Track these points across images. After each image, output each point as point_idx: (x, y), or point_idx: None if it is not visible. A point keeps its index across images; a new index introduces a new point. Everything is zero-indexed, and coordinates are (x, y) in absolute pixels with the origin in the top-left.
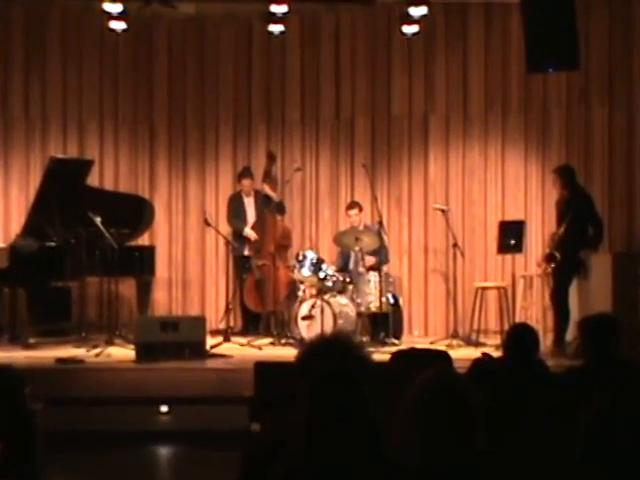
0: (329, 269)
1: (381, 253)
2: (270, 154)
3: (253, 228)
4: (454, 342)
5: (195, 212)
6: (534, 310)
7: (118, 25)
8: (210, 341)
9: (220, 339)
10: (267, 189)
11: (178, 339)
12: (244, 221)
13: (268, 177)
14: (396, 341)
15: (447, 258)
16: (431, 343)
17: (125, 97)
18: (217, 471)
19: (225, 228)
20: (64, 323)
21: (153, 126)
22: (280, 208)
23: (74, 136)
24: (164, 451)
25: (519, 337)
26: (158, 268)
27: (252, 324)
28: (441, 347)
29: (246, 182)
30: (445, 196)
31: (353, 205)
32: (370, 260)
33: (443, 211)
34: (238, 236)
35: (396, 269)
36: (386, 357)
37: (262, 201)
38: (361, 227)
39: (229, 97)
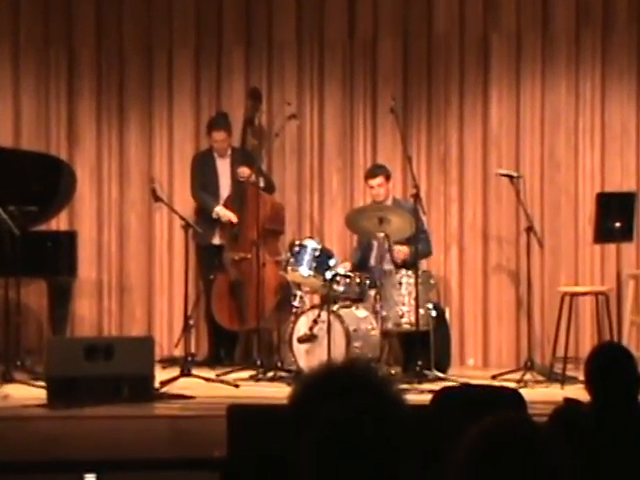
0: (340, 266)
1: (418, 241)
2: (253, 92)
3: (227, 204)
4: (529, 376)
5: (138, 180)
6: None
7: None
8: (161, 375)
9: (176, 372)
10: (244, 172)
11: (112, 372)
12: (215, 194)
13: (250, 126)
14: (441, 374)
15: (518, 249)
16: (493, 378)
17: (30, 5)
18: None
19: (185, 204)
20: None
21: (73, 49)
22: (268, 187)
23: None
24: None
25: (606, 365)
26: (82, 265)
27: (224, 349)
28: (509, 384)
29: (218, 135)
30: (515, 156)
31: (376, 170)
32: (402, 252)
33: (512, 178)
34: (205, 216)
35: (440, 266)
36: (426, 398)
37: (242, 163)
38: (388, 202)
39: (188, 6)
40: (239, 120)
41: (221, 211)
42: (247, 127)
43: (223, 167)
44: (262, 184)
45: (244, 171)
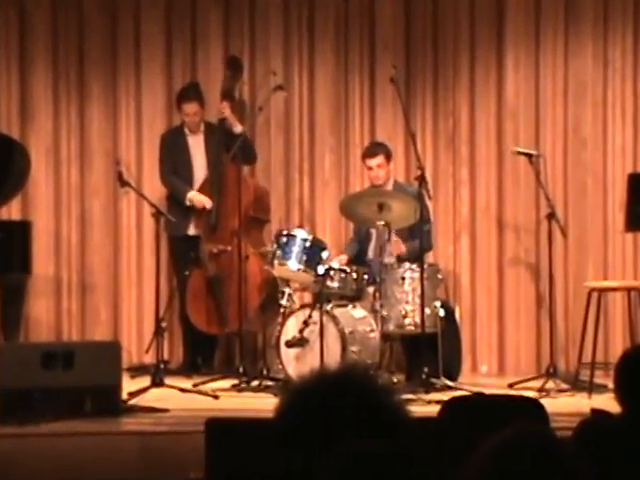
0: (334, 260)
1: (423, 231)
2: (232, 61)
3: (203, 188)
4: (551, 384)
5: (101, 162)
6: None
7: None
8: (129, 385)
9: (147, 382)
10: (227, 111)
11: (73, 382)
12: (189, 176)
13: (229, 99)
14: (450, 382)
15: (537, 239)
16: (510, 386)
17: None
18: None
19: (155, 189)
20: None
21: (25, 10)
22: (246, 150)
23: None
24: None
25: (635, 371)
26: (37, 260)
27: (202, 355)
28: (529, 393)
29: (189, 108)
30: (534, 131)
31: (374, 149)
32: (399, 246)
33: (530, 157)
34: (178, 203)
35: (449, 259)
36: (434, 409)
37: (219, 140)
38: (389, 186)
39: None
40: (217, 93)
41: (195, 197)
42: (225, 101)
43: (196, 145)
44: (239, 130)
45: (224, 107)
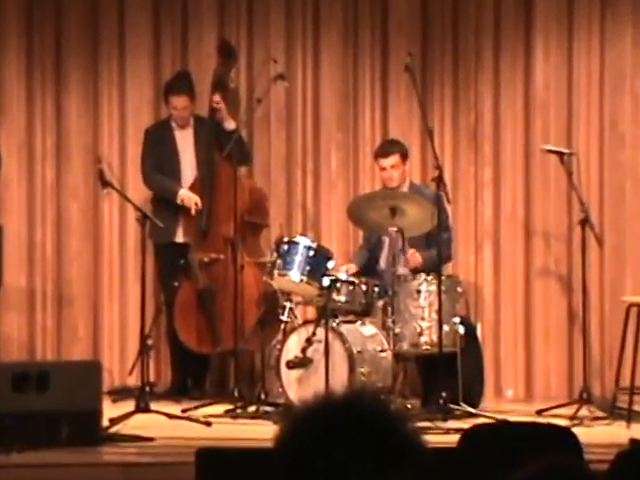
0: (341, 270)
1: (441, 239)
2: (223, 46)
3: (193, 189)
4: (585, 411)
5: (79, 160)
6: None
7: None
8: (110, 410)
9: (130, 406)
10: (222, 105)
11: (48, 407)
12: (175, 176)
13: (220, 89)
14: (471, 409)
15: (569, 247)
16: (539, 413)
17: None
18: None
19: (141, 190)
20: None
21: None
22: (240, 150)
23: None
24: None
25: None
26: (7, 269)
27: (192, 377)
28: (560, 421)
29: (179, 101)
30: (566, 127)
31: (388, 147)
32: (415, 258)
33: (562, 156)
34: (164, 206)
35: (470, 269)
36: (453, 439)
37: (209, 136)
38: (404, 188)
39: None
40: (207, 84)
41: (185, 194)
42: (217, 92)
43: (184, 141)
44: (232, 126)
45: (218, 100)
